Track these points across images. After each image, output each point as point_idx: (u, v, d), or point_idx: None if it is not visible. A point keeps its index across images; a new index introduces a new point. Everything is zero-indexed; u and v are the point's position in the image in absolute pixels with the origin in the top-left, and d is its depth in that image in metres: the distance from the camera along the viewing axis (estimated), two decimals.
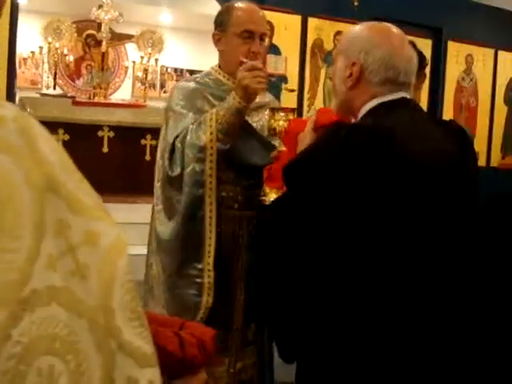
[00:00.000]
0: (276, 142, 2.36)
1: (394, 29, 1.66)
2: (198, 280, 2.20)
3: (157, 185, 2.41)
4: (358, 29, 1.68)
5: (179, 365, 1.08)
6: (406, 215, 1.41)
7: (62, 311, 0.51)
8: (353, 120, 1.67)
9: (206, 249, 2.20)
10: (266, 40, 2.45)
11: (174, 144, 2.24)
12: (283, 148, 2.28)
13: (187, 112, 2.30)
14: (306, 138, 1.84)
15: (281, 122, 2.29)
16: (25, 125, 0.55)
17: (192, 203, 2.24)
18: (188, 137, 2.22)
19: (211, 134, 2.19)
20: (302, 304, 1.48)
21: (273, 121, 2.31)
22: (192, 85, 2.44)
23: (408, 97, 1.62)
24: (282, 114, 2.32)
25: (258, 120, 2.48)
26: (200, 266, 2.20)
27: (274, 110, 2.36)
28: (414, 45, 2.53)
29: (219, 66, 2.51)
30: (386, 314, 1.39)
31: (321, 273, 1.44)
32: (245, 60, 2.30)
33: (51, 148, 0.56)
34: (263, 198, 2.24)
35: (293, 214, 1.50)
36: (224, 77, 2.46)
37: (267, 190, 2.24)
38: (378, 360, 1.40)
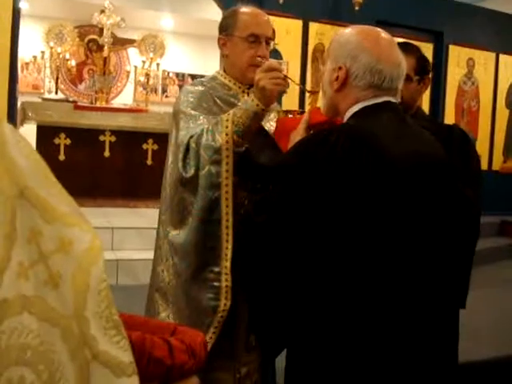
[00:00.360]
0: None
1: (383, 34, 1.67)
2: (216, 284, 2.17)
3: (167, 189, 2.38)
4: (347, 33, 1.71)
5: (169, 371, 1.07)
6: (384, 215, 1.44)
7: (34, 320, 0.49)
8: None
9: (224, 252, 2.16)
10: (272, 44, 2.43)
11: (188, 144, 2.20)
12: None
13: (199, 114, 2.28)
14: (298, 137, 1.85)
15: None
16: None
17: (208, 206, 2.17)
18: (203, 138, 2.15)
19: (227, 135, 2.13)
20: (284, 299, 1.51)
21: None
22: (200, 88, 2.42)
23: (392, 101, 1.64)
24: (290, 116, 2.31)
25: (264, 124, 2.48)
26: (217, 270, 2.17)
27: (279, 113, 2.36)
28: (418, 49, 2.53)
29: (224, 71, 2.50)
30: (368, 313, 1.43)
31: (301, 271, 1.47)
32: (261, 60, 2.28)
33: (24, 154, 0.54)
34: None
35: (276, 213, 1.53)
36: (230, 81, 2.45)
37: None
38: (363, 355, 1.43)
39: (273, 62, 2.21)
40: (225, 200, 2.18)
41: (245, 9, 2.42)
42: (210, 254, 2.17)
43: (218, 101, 2.36)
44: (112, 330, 0.54)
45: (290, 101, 6.26)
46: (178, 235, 2.23)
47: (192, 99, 2.32)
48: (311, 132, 1.92)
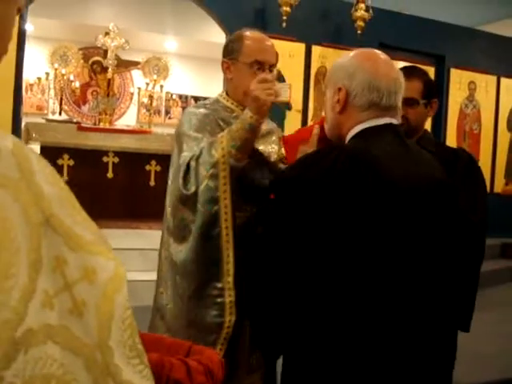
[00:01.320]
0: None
1: (380, 54, 1.70)
2: (219, 300, 2.18)
3: (168, 209, 2.41)
4: (343, 57, 1.76)
5: None
6: (381, 235, 1.45)
7: (58, 350, 0.49)
8: None
9: (225, 267, 2.17)
10: (275, 70, 2.47)
11: (188, 164, 2.24)
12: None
13: (201, 136, 2.31)
14: (309, 150, 1.90)
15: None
16: (23, 158, 0.53)
17: (208, 221, 2.20)
18: (201, 156, 2.21)
19: (223, 149, 2.17)
20: (284, 309, 1.51)
21: (283, 149, 2.35)
22: (203, 110, 2.45)
23: (394, 122, 1.66)
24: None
25: (264, 148, 2.50)
26: (220, 286, 2.17)
27: (282, 139, 2.40)
28: (425, 73, 2.54)
29: (226, 93, 2.53)
30: (365, 330, 1.43)
31: (296, 286, 1.47)
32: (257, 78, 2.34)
33: (49, 182, 0.55)
34: None
35: (272, 226, 1.56)
36: (232, 104, 2.48)
37: None
38: (360, 359, 1.42)
39: (266, 75, 2.27)
40: (224, 214, 2.20)
41: (250, 34, 2.45)
42: (212, 270, 2.18)
43: (221, 123, 2.39)
44: (135, 358, 0.54)
45: (295, 125, 6.29)
46: (181, 252, 2.24)
47: (195, 121, 2.35)
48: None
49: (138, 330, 0.56)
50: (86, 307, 0.52)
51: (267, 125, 2.56)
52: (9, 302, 0.48)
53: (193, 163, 2.20)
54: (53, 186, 0.55)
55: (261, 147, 2.45)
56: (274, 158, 2.48)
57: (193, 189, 2.19)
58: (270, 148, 2.50)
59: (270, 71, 2.41)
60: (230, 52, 2.45)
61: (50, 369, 0.48)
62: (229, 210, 2.20)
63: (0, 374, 0.46)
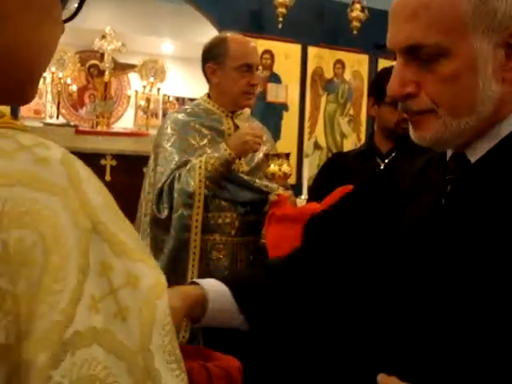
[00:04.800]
0: (274, 186, 2.44)
1: None
2: None
3: (144, 219, 2.49)
4: None
5: None
6: None
7: (102, 353, 0.51)
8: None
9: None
10: (260, 68, 2.54)
11: (162, 188, 2.34)
12: (281, 191, 2.36)
13: (176, 152, 2.39)
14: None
15: (277, 167, 2.38)
16: (71, 167, 0.56)
17: (178, 246, 2.36)
18: (176, 182, 2.34)
19: (200, 181, 2.31)
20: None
21: (272, 166, 2.41)
22: (183, 117, 2.50)
23: None
24: (277, 159, 2.42)
25: (257, 154, 2.56)
26: None
27: (268, 156, 2.45)
28: None
29: (208, 96, 2.57)
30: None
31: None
32: (248, 111, 2.49)
33: (95, 190, 0.57)
34: (263, 241, 2.35)
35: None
36: (214, 106, 2.53)
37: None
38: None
39: (259, 132, 2.44)
40: (193, 241, 2.36)
41: (234, 37, 2.50)
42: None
43: (201, 129, 2.45)
44: (174, 363, 0.56)
45: (291, 128, 6.30)
46: None
47: (173, 133, 2.42)
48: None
49: (176, 336, 0.58)
50: (129, 312, 0.53)
51: (255, 125, 2.60)
52: (59, 304, 0.50)
53: (166, 188, 2.34)
54: (99, 194, 0.57)
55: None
56: (257, 157, 2.53)
57: (166, 212, 2.34)
58: (260, 155, 2.56)
59: (257, 69, 2.47)
60: (215, 56, 2.49)
61: (95, 371, 0.50)
62: (198, 237, 2.37)
63: (49, 373, 0.48)
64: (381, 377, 1.05)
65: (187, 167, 2.33)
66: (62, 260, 0.51)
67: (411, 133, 1.13)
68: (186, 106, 2.67)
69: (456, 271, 1.05)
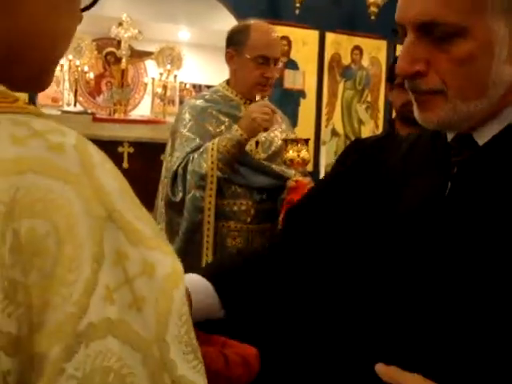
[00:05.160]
0: (291, 173, 2.42)
1: None
2: None
3: (161, 203, 2.49)
4: None
5: None
6: None
7: (117, 344, 0.50)
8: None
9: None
10: (280, 63, 2.50)
11: (176, 171, 2.34)
12: (299, 178, 2.34)
13: (193, 137, 2.38)
14: None
15: (295, 153, 2.35)
16: (85, 153, 0.54)
17: (191, 228, 2.36)
18: (190, 164, 2.33)
19: (212, 163, 2.29)
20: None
21: (290, 152, 2.37)
22: (201, 103, 2.49)
23: None
24: (295, 145, 2.39)
25: (267, 134, 2.53)
26: None
27: (287, 142, 2.42)
28: None
29: (227, 83, 2.55)
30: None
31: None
32: (258, 98, 2.38)
33: (110, 176, 0.56)
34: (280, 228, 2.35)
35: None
36: (232, 93, 2.52)
37: None
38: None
39: (268, 103, 2.42)
40: (207, 223, 2.35)
41: (256, 26, 2.46)
42: (192, 272, 2.27)
43: (219, 115, 2.44)
44: (190, 354, 0.55)
45: (308, 114, 6.27)
46: None
47: (190, 117, 2.40)
48: None
49: (192, 327, 0.57)
50: (145, 302, 0.53)
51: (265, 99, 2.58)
52: (72, 295, 0.49)
53: (180, 171, 2.33)
54: (114, 180, 0.56)
55: (263, 134, 2.49)
56: (275, 144, 2.51)
57: (180, 195, 2.33)
58: (273, 134, 2.52)
59: (275, 64, 2.43)
60: (236, 43, 2.47)
61: (109, 362, 0.49)
62: (211, 219, 2.36)
63: (62, 366, 0.48)
64: (379, 366, 1.03)
65: (200, 150, 2.33)
66: (76, 250, 0.50)
67: (416, 114, 1.08)
68: (205, 93, 2.66)
69: (466, 254, 1.02)
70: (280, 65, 2.51)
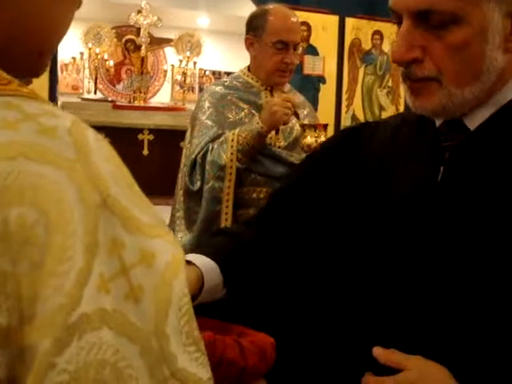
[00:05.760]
0: None
1: None
2: None
3: (179, 192, 2.49)
4: None
5: (240, 373, 1.05)
6: None
7: (113, 335, 0.48)
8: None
9: None
10: (300, 48, 2.48)
11: (195, 160, 2.33)
12: None
13: (212, 125, 2.37)
14: None
15: (313, 139, 2.33)
16: (80, 137, 0.52)
17: (209, 218, 2.34)
18: (209, 154, 2.31)
19: (232, 154, 2.28)
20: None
21: (307, 138, 2.35)
22: (220, 90, 2.48)
23: None
24: (314, 130, 2.36)
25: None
26: None
27: (304, 127, 2.39)
28: None
29: (248, 69, 2.54)
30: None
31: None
32: (278, 93, 2.42)
33: (107, 162, 0.54)
34: None
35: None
36: (253, 79, 2.50)
37: None
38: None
39: (289, 96, 2.38)
40: (224, 214, 2.33)
41: (275, 10, 2.44)
42: None
43: (239, 102, 2.43)
44: (192, 346, 0.53)
45: (329, 100, 6.25)
46: (183, 239, 2.37)
47: (209, 105, 2.41)
48: None
49: (194, 317, 0.55)
50: (142, 292, 0.51)
51: (296, 98, 2.55)
52: (64, 286, 0.47)
53: (199, 160, 2.32)
54: (110, 165, 0.54)
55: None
56: (296, 131, 2.49)
57: (198, 184, 2.33)
58: (294, 121, 2.50)
59: (295, 49, 2.41)
60: (254, 28, 2.45)
61: (105, 355, 0.47)
62: (230, 210, 2.34)
63: (52, 361, 0.46)
64: (377, 349, 1.02)
65: (220, 139, 2.32)
66: (68, 239, 0.48)
67: (410, 101, 1.07)
68: (225, 79, 2.64)
69: (462, 240, 1.02)
70: (300, 50, 2.48)
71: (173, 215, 2.52)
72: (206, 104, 2.42)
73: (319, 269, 1.31)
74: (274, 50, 2.38)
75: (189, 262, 1.22)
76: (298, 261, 1.33)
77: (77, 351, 0.47)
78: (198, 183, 2.33)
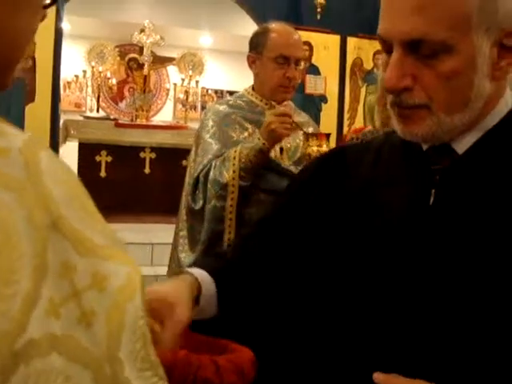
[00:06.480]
0: None
1: None
2: None
3: (183, 211, 2.46)
4: None
5: None
6: None
7: (64, 362, 0.46)
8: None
9: None
10: (302, 64, 2.46)
11: (198, 178, 2.30)
12: None
13: (215, 143, 2.35)
14: None
15: (315, 148, 2.30)
16: (31, 157, 0.50)
17: (212, 238, 2.29)
18: (211, 173, 2.27)
19: (234, 172, 2.23)
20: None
21: (307, 147, 2.32)
22: (224, 109, 2.46)
23: None
24: (315, 139, 2.33)
25: (293, 140, 2.49)
26: None
27: (307, 136, 2.36)
28: None
29: (252, 88, 2.53)
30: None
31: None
32: (275, 104, 2.37)
33: (59, 182, 0.51)
34: None
35: None
36: (257, 98, 2.48)
37: None
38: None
39: (284, 108, 2.32)
40: (228, 234, 2.27)
41: (276, 27, 2.43)
42: None
43: (243, 121, 2.41)
44: (148, 371, 0.51)
45: (330, 120, 6.26)
46: (186, 259, 2.33)
47: (212, 123, 2.38)
48: None
49: (151, 341, 0.53)
50: (95, 316, 0.49)
51: (300, 117, 2.54)
52: (9, 311, 0.44)
53: (202, 179, 2.28)
54: (63, 186, 0.52)
55: (289, 139, 2.45)
56: (300, 151, 2.47)
57: (200, 203, 2.28)
58: (298, 140, 2.48)
59: (297, 65, 2.40)
60: (256, 46, 2.45)
61: (55, 382, 0.45)
62: (232, 229, 2.28)
63: None
64: (378, 375, 1.01)
65: (222, 157, 2.29)
66: (14, 262, 0.46)
67: (399, 127, 1.09)
68: (229, 98, 2.63)
69: (458, 262, 1.02)
70: (302, 66, 2.47)
71: (176, 234, 2.50)
72: (210, 123, 2.41)
73: (310, 297, 1.29)
74: (276, 65, 2.37)
75: (185, 272, 1.22)
76: (288, 288, 1.32)
77: (24, 379, 0.44)
78: (201, 202, 2.29)
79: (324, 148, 2.31)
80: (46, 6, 0.68)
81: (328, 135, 2.41)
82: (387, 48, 1.05)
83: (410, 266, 1.07)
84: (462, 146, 1.08)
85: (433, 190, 1.08)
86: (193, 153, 2.47)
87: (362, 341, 1.13)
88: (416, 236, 1.08)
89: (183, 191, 2.53)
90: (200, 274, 1.22)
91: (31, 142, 0.51)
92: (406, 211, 1.11)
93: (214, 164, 2.28)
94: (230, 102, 2.50)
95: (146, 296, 0.53)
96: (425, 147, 1.13)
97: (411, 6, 0.99)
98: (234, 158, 2.24)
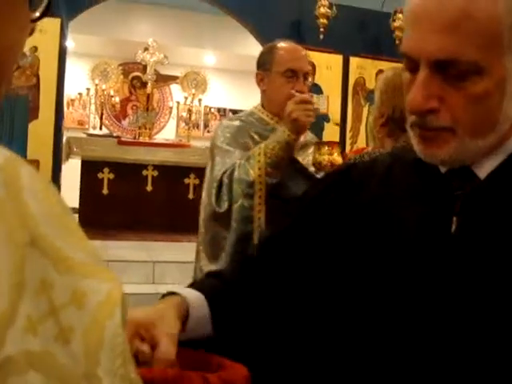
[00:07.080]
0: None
1: None
2: None
3: (201, 223, 2.42)
4: None
5: None
6: None
7: (41, 379, 0.45)
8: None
9: None
10: (309, 79, 2.45)
11: (221, 180, 2.24)
12: None
13: (234, 149, 2.31)
14: None
15: (326, 157, 2.29)
16: (11, 174, 0.50)
17: (241, 239, 2.21)
18: (236, 172, 2.21)
19: (259, 169, 2.17)
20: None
21: (318, 155, 2.31)
22: (237, 123, 2.45)
23: None
24: (326, 147, 2.33)
25: (302, 160, 2.48)
26: None
27: (319, 144, 2.36)
28: None
29: (262, 106, 2.53)
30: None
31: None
32: (294, 93, 2.30)
33: (39, 199, 0.51)
34: None
35: None
36: (267, 116, 2.47)
37: None
38: None
39: (304, 95, 2.26)
40: (257, 233, 2.20)
41: (282, 44, 2.45)
42: None
43: (255, 136, 2.39)
44: None
45: (333, 137, 6.27)
46: (208, 267, 2.26)
47: (228, 134, 2.35)
48: None
49: (131, 358, 0.52)
50: (73, 333, 0.48)
51: (306, 136, 2.55)
52: None
53: (225, 180, 2.21)
54: (43, 203, 0.51)
55: (299, 158, 2.44)
56: (310, 169, 2.46)
57: (225, 205, 2.20)
58: (308, 160, 2.48)
59: (305, 79, 2.40)
60: (263, 63, 2.46)
61: None
62: (262, 228, 2.20)
63: None
64: None
65: (246, 156, 2.24)
66: None
67: (420, 149, 1.03)
68: (240, 114, 2.62)
69: (480, 293, 0.98)
70: (310, 81, 2.46)
71: (197, 252, 2.45)
72: (225, 134, 2.37)
73: (313, 326, 1.24)
74: (284, 80, 2.37)
75: (174, 293, 1.18)
76: (290, 313, 1.27)
77: None
78: (226, 204, 2.20)
79: (335, 156, 2.30)
80: (35, 20, 0.67)
81: (338, 143, 2.41)
82: (412, 66, 1.01)
83: (431, 300, 1.03)
84: (483, 170, 1.04)
85: (454, 218, 1.04)
86: (209, 168, 2.42)
87: (373, 375, 1.09)
88: (437, 266, 1.03)
89: (200, 207, 2.47)
90: (189, 292, 1.18)
91: (12, 158, 0.51)
92: (425, 235, 1.06)
93: (238, 163, 2.22)
94: (242, 118, 2.50)
95: (128, 315, 0.52)
96: (443, 170, 1.08)
97: (442, 24, 0.94)
98: (259, 154, 2.19)
